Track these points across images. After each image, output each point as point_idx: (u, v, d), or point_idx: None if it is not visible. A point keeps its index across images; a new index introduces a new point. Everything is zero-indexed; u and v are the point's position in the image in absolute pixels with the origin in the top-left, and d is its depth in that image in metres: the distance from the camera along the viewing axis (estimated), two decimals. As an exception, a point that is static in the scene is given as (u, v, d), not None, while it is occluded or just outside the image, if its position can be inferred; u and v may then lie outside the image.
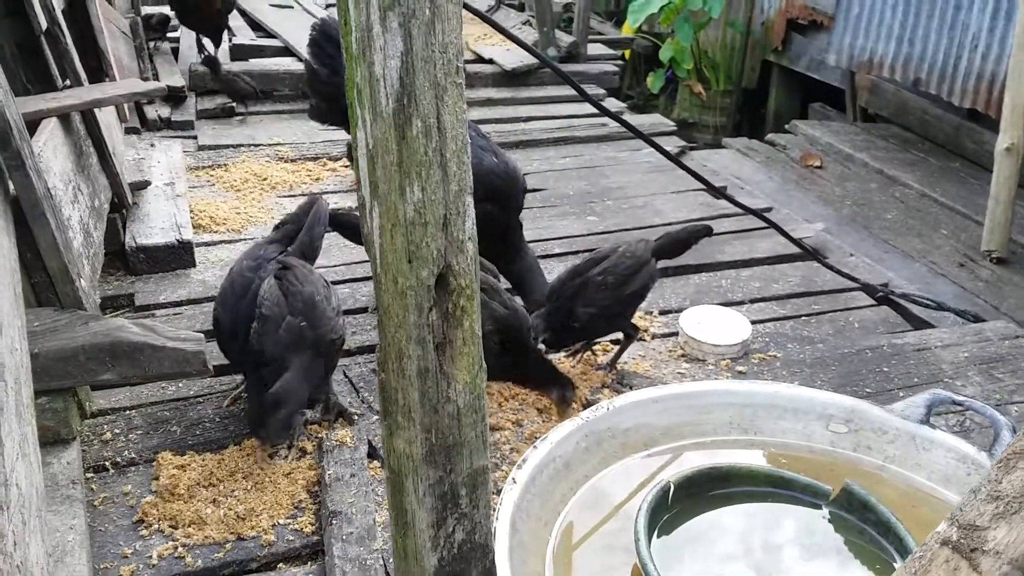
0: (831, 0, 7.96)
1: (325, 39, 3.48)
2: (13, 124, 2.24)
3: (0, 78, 2.22)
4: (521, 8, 7.43)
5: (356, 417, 2.90)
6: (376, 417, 2.90)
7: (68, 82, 3.35)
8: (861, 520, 2.28)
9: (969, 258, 5.36)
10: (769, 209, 4.70)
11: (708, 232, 3.15)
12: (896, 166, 6.77)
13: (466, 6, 3.31)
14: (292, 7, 7.61)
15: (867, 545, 2.26)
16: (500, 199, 3.34)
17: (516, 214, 3.41)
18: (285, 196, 4.58)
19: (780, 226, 3.87)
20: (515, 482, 2.21)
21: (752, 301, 3.72)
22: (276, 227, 3.12)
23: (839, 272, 3.79)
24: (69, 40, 3.36)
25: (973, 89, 6.52)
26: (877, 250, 4.95)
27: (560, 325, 2.91)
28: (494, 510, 1.95)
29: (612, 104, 6.23)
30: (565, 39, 6.52)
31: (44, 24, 3.26)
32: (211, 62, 5.49)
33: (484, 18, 3.21)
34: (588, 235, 4.23)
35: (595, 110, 5.90)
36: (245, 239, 4.13)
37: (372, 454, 2.75)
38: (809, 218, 5.11)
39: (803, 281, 3.89)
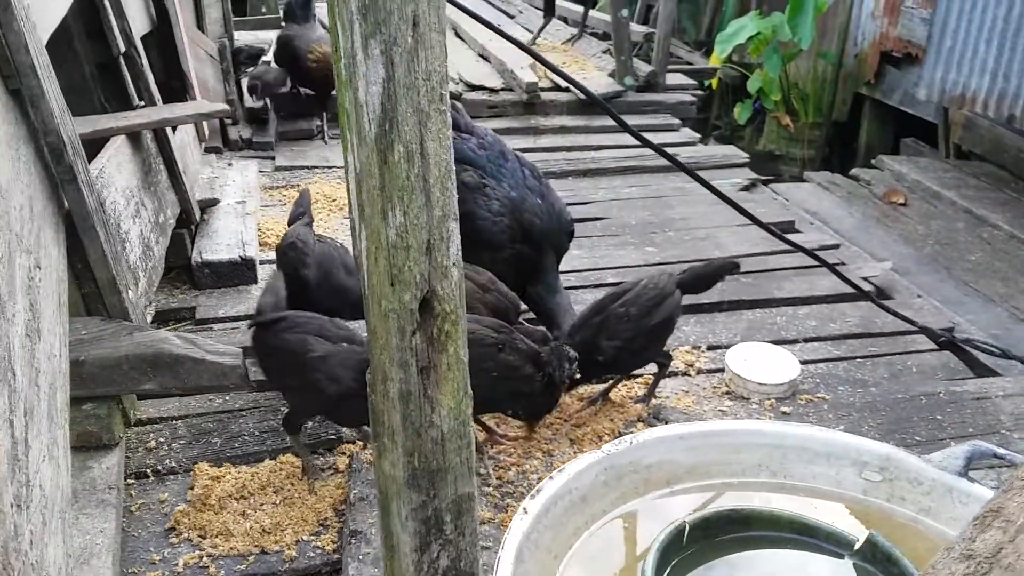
0: (925, 33, 7.75)
1: None
2: (67, 141, 2.36)
3: (59, 99, 2.34)
4: (604, 37, 7.44)
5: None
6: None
7: (143, 102, 3.51)
8: (884, 573, 2.18)
9: (1051, 302, 5.11)
10: (836, 246, 4.57)
11: (734, 268, 3.08)
12: (986, 205, 6.51)
13: (524, 48, 3.34)
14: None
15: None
16: (537, 240, 3.35)
17: (555, 255, 3.42)
18: (347, 217, 4.66)
19: (837, 267, 3.76)
20: (526, 512, 2.19)
21: (806, 340, 3.62)
22: (291, 221, 3.23)
23: (895, 314, 3.65)
24: (145, 62, 3.52)
25: (1073, 128, 6.24)
26: (957, 292, 4.75)
27: (586, 359, 2.89)
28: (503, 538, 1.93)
29: (687, 135, 6.17)
30: (644, 68, 6.50)
31: (122, 47, 3.42)
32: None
33: (538, 58, 3.23)
34: (644, 265, 4.19)
35: (671, 140, 5.86)
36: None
37: (400, 475, 2.77)
38: (887, 257, 4.95)
39: (862, 322, 3.76)
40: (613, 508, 2.41)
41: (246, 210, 4.32)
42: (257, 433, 2.99)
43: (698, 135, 6.53)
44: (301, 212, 3.21)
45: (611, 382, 3.14)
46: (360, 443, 2.94)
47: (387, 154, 1.38)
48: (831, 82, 9.11)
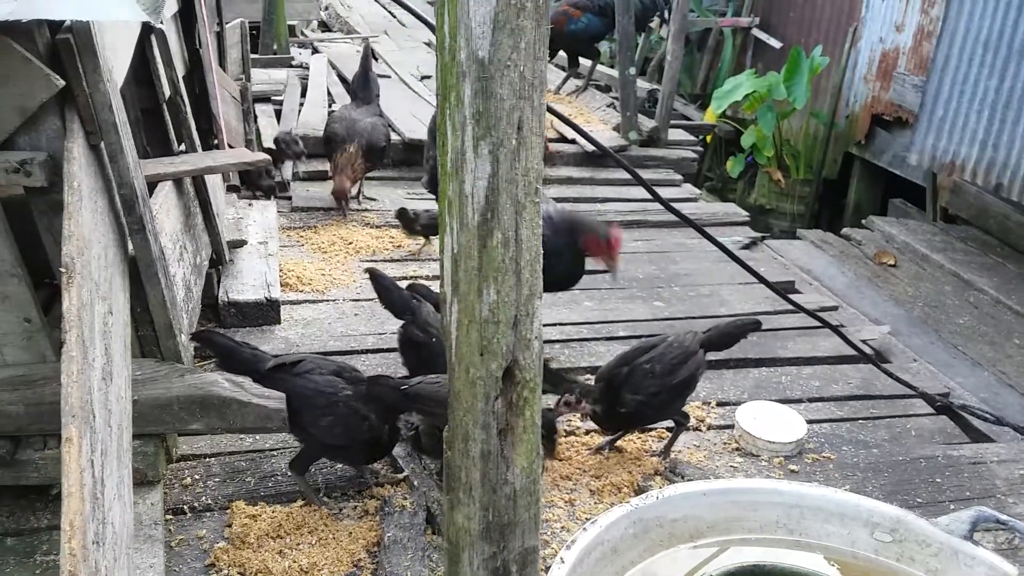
0: (918, 99, 8.04)
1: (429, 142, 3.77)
2: (139, 192, 2.50)
3: (133, 153, 2.48)
4: (607, 89, 7.67)
5: (415, 483, 3.06)
6: (435, 485, 3.04)
7: (184, 147, 3.65)
8: (898, 632, 2.33)
9: (1046, 367, 5.31)
10: (835, 308, 4.76)
11: (757, 326, 3.25)
12: (972, 270, 6.74)
13: (549, 108, 3.51)
14: (390, 77, 7.99)
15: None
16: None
17: None
18: (367, 260, 4.81)
19: (840, 329, 3.94)
20: (563, 562, 2.33)
21: (810, 400, 3.79)
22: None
23: (897, 379, 3.84)
24: (188, 109, 3.67)
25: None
26: (945, 355, 4.95)
27: (607, 410, 3.04)
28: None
29: (688, 191, 6.37)
30: (647, 123, 6.72)
31: (168, 93, 3.57)
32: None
33: (560, 116, 3.40)
34: (653, 320, 4.36)
35: (672, 195, 6.06)
36: (328, 300, 4.36)
37: (429, 520, 2.90)
38: (879, 317, 5.14)
39: (863, 384, 3.94)
40: (641, 560, 2.56)
41: (268, 251, 4.45)
42: (289, 474, 3.10)
43: (699, 191, 6.74)
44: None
45: (621, 432, 3.29)
46: (390, 486, 3.06)
47: (487, 239, 1.54)
48: (822, 141, 9.40)
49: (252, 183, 5.24)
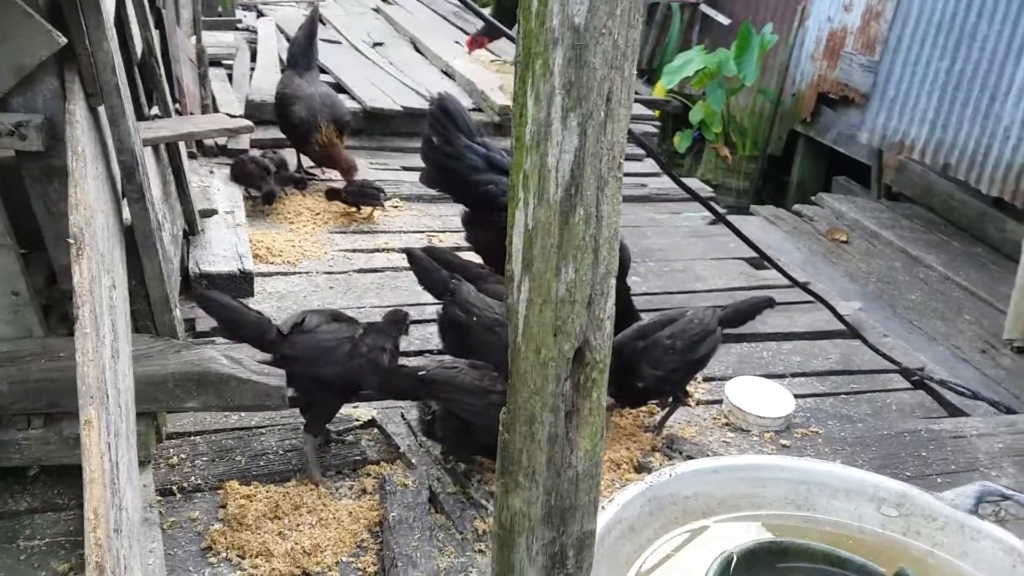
0: (864, 78, 8.18)
1: (443, 114, 3.59)
2: (138, 158, 2.36)
3: (131, 114, 2.34)
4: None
5: (412, 461, 3.00)
6: (432, 463, 2.98)
7: (157, 111, 3.47)
8: (914, 605, 2.37)
9: (991, 345, 5.48)
10: (807, 284, 4.82)
11: (771, 304, 3.27)
12: (920, 247, 6.91)
13: None
14: (340, 43, 7.78)
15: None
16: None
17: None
18: (337, 232, 4.69)
19: (828, 302, 4.00)
20: (588, 541, 2.31)
21: (793, 375, 3.83)
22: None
23: (882, 355, 3.91)
24: (162, 71, 3.49)
25: (1002, 179, 6.69)
26: (902, 330, 5.06)
27: (624, 383, 3.01)
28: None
29: (652, 165, 6.37)
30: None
31: (140, 53, 3.39)
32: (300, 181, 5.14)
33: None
34: (633, 295, 4.34)
35: (636, 169, 6.05)
36: (300, 272, 4.23)
37: (432, 500, 2.83)
38: (839, 293, 5.24)
39: (842, 359, 4.00)
40: (657, 537, 2.55)
41: (236, 221, 4.30)
42: (281, 452, 3.01)
43: (659, 167, 6.74)
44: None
45: (666, 412, 3.27)
46: (386, 463, 2.99)
47: (569, 216, 1.48)
48: (768, 118, 9.51)
49: (249, 183, 4.73)
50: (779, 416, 3.37)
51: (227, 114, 4.75)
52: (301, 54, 5.18)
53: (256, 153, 4.72)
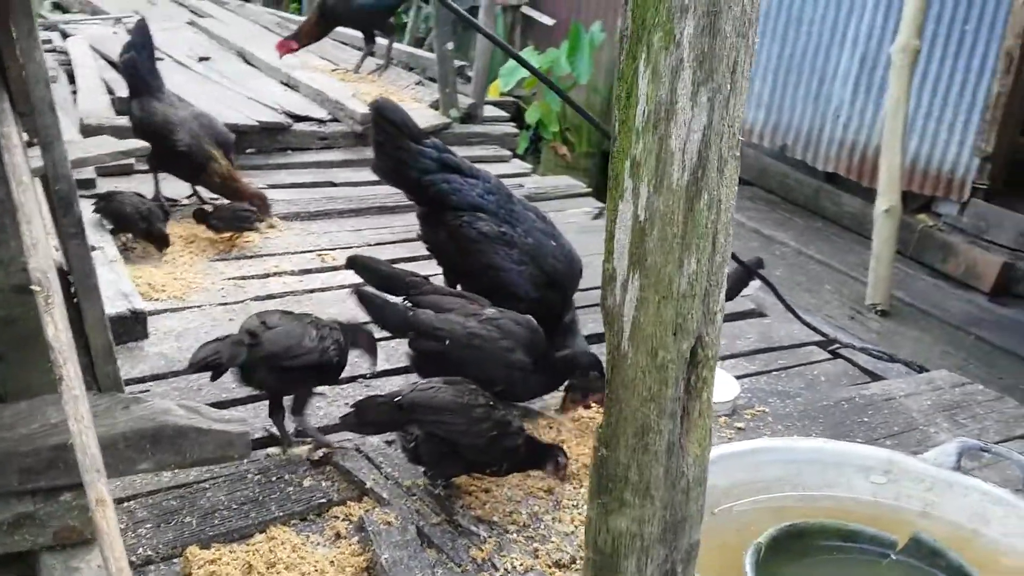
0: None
1: (386, 122, 3.46)
2: (73, 187, 2.02)
3: (61, 142, 2.00)
4: (409, 69, 7.43)
5: (383, 496, 2.76)
6: (411, 496, 2.77)
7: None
8: (931, 566, 2.41)
9: (857, 311, 5.82)
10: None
11: (760, 265, 3.30)
12: (770, 226, 7.25)
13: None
14: (162, 59, 7.23)
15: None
16: (560, 285, 3.35)
17: (571, 298, 3.46)
18: (218, 260, 4.31)
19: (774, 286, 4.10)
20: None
21: (723, 357, 3.86)
22: None
23: (812, 328, 4.04)
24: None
25: (835, 156, 7.13)
26: (779, 306, 5.26)
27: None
28: None
29: (519, 166, 6.32)
30: (464, 100, 6.57)
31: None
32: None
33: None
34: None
35: (507, 170, 5.96)
36: (191, 307, 3.85)
37: (418, 534, 2.62)
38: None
39: (761, 337, 4.08)
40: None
41: (108, 257, 3.86)
42: (234, 506, 2.69)
43: (530, 166, 6.70)
44: None
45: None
46: (353, 503, 2.74)
47: (694, 202, 1.36)
48: (601, 114, 9.69)
49: (126, 227, 4.18)
50: (727, 400, 3.38)
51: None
52: (149, 76, 4.65)
53: (129, 193, 4.20)
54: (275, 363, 2.74)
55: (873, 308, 5.76)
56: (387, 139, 3.46)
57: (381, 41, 7.18)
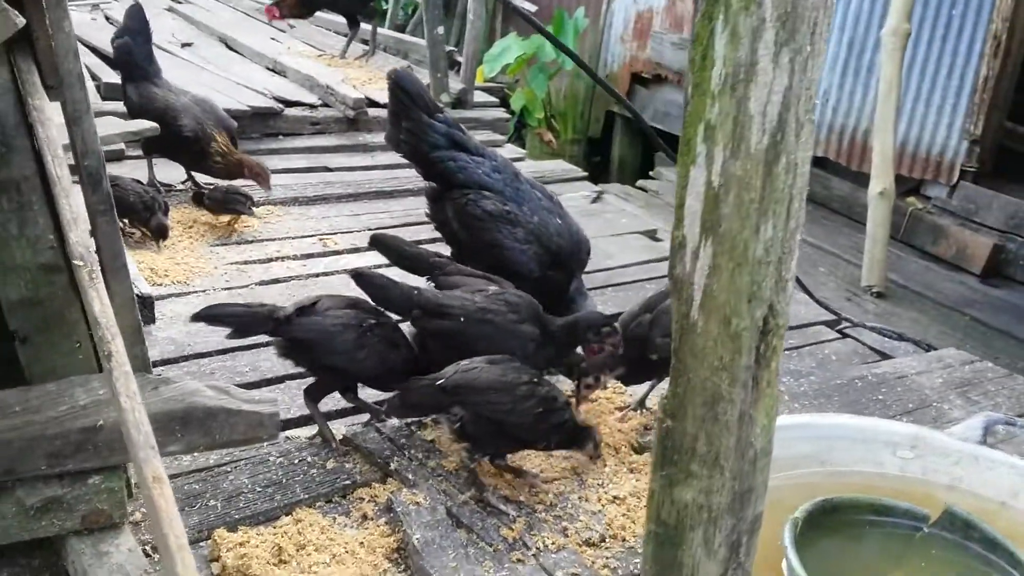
0: (676, 56, 8.49)
1: (402, 92, 3.47)
2: (103, 163, 1.97)
3: (91, 115, 1.94)
4: (397, 54, 7.37)
5: (409, 476, 2.73)
6: (436, 477, 2.74)
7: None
8: (965, 538, 2.42)
9: (853, 293, 5.84)
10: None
11: None
12: (761, 210, 7.24)
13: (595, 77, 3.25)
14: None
15: (971, 560, 2.39)
16: (565, 263, 3.32)
17: (580, 276, 3.43)
18: (219, 245, 4.25)
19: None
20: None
21: (732, 338, 3.86)
22: None
23: (825, 307, 4.06)
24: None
25: (825, 139, 7.15)
26: (777, 288, 5.28)
27: (637, 358, 2.90)
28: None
29: (513, 150, 6.28)
30: (454, 86, 6.53)
31: None
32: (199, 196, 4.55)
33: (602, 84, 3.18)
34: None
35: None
36: (196, 291, 3.80)
37: (447, 514, 2.59)
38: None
39: (768, 318, 4.08)
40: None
41: (109, 242, 3.78)
42: (258, 488, 2.65)
43: (524, 151, 6.67)
44: None
45: (649, 387, 3.15)
46: (378, 484, 2.71)
47: (773, 166, 1.34)
48: (585, 101, 9.70)
49: (131, 215, 4.07)
50: (742, 379, 3.38)
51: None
52: (146, 61, 4.57)
53: (129, 179, 4.10)
54: (302, 352, 2.81)
55: (869, 290, 5.78)
56: (401, 109, 3.43)
57: (365, 26, 7.11)
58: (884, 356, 3.87)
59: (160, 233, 4.04)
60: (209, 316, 2.74)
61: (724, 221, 1.38)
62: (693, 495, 1.54)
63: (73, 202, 1.65)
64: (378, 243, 3.16)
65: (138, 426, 1.52)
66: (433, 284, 3.03)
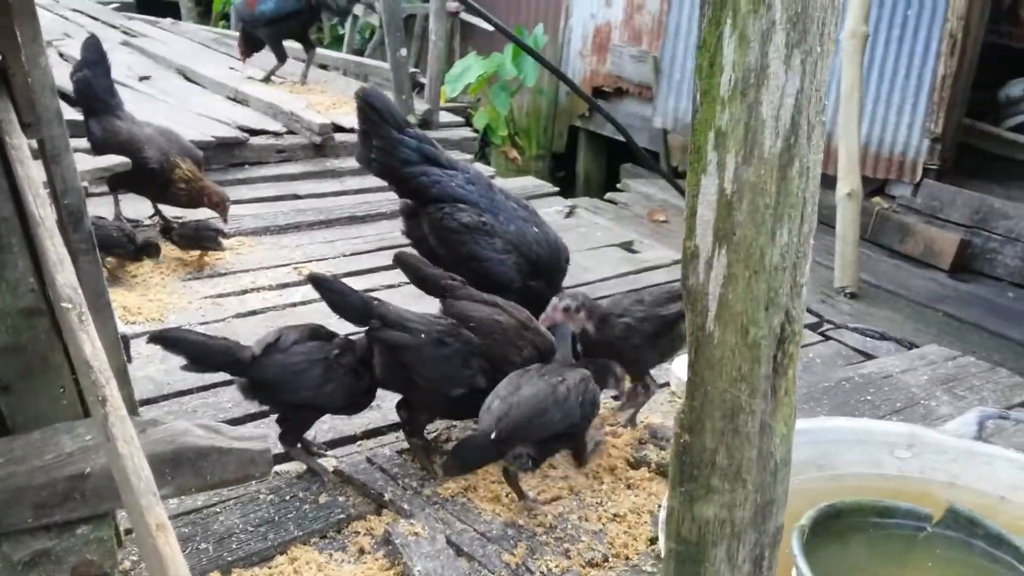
0: (636, 69, 8.53)
1: (370, 108, 3.38)
2: (83, 200, 1.90)
3: (70, 152, 1.88)
4: (356, 78, 7.32)
5: (403, 506, 2.67)
6: (433, 505, 2.68)
7: None
8: (969, 536, 2.41)
9: (827, 295, 5.87)
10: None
11: None
12: (730, 217, 7.27)
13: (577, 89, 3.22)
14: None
15: (976, 558, 2.38)
16: (545, 272, 3.29)
17: (560, 284, 3.39)
18: (191, 279, 4.16)
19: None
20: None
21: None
22: None
23: (810, 311, 4.05)
24: None
25: (789, 145, 7.19)
26: (753, 294, 5.29)
27: (598, 332, 2.98)
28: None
29: (482, 168, 6.25)
30: (419, 107, 6.49)
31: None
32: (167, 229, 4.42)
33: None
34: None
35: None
36: (172, 327, 3.70)
37: (448, 543, 2.54)
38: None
39: (751, 324, 4.08)
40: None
41: (78, 282, 3.68)
42: (250, 528, 2.58)
43: (494, 168, 6.65)
44: None
45: (630, 407, 3.14)
46: (373, 517, 2.64)
47: (787, 170, 1.32)
48: (547, 117, 9.71)
49: (115, 250, 4.00)
50: (731, 387, 3.36)
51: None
52: (107, 94, 4.47)
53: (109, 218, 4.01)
54: (267, 392, 2.77)
55: (842, 291, 5.82)
56: (371, 127, 3.39)
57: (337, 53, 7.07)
58: (867, 356, 3.88)
59: (154, 250, 4.06)
60: (164, 339, 2.68)
61: (739, 228, 1.35)
62: (715, 510, 1.51)
63: (58, 243, 1.59)
64: (400, 262, 3.11)
65: (138, 472, 1.45)
66: (441, 307, 2.97)
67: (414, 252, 3.31)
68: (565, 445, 2.74)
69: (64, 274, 1.56)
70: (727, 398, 1.44)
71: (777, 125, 1.29)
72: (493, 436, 2.52)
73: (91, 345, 1.52)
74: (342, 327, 2.97)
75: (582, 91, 3.29)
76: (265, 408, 3.14)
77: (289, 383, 2.70)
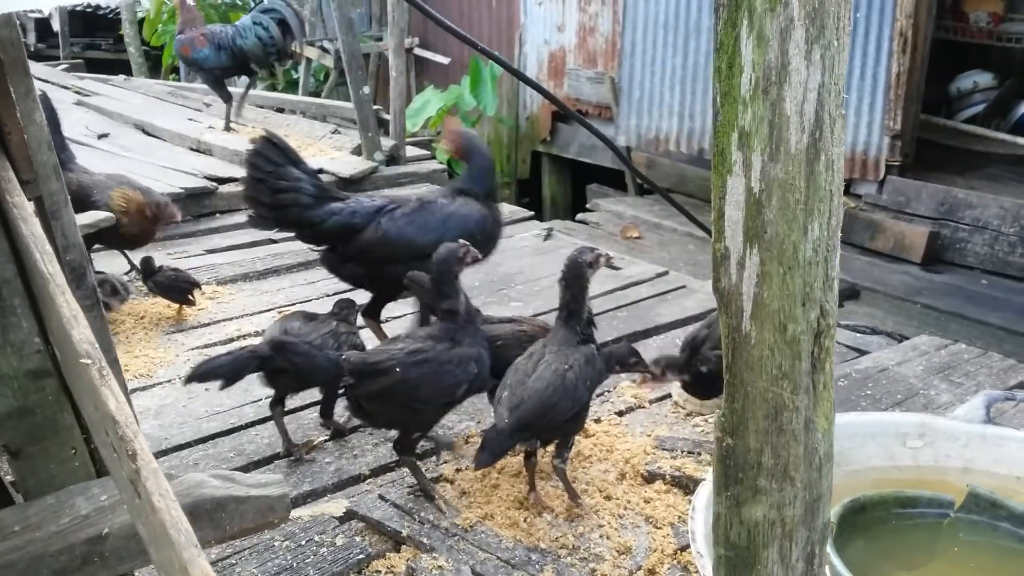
0: (594, 90, 8.61)
1: (272, 148, 3.31)
2: (85, 256, 1.86)
3: (69, 207, 1.84)
4: (322, 119, 7.31)
5: (424, 541, 2.63)
6: (453, 537, 2.64)
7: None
8: (993, 518, 2.42)
9: (806, 297, 5.89)
10: (666, 273, 4.92)
11: (854, 294, 3.49)
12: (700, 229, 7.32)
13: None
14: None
15: (1002, 539, 2.40)
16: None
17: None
18: (174, 332, 4.10)
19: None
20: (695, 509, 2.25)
21: (711, 350, 3.86)
22: None
23: None
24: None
25: (752, 152, 7.29)
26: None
27: (696, 373, 3.09)
28: None
29: (454, 200, 6.24)
30: (386, 143, 6.49)
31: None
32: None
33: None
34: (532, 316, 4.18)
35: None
36: (161, 382, 3.64)
37: (474, 573, 2.50)
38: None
39: (742, 330, 4.09)
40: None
41: (61, 344, 3.61)
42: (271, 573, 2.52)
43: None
44: None
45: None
46: (392, 555, 2.60)
47: (814, 164, 1.32)
48: (510, 144, 9.75)
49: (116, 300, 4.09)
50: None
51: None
52: (58, 149, 4.41)
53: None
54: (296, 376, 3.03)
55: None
56: (269, 169, 3.31)
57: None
58: (861, 352, 3.91)
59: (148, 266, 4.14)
60: (202, 374, 2.91)
61: (769, 226, 1.35)
62: (764, 511, 1.50)
63: (70, 299, 1.55)
64: (414, 283, 3.12)
65: (177, 526, 1.41)
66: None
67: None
68: (578, 425, 2.82)
69: (79, 329, 1.52)
70: (769, 397, 1.44)
71: (802, 120, 1.30)
72: (504, 428, 2.58)
73: (115, 400, 1.48)
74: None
75: (556, 98, 3.32)
76: (268, 454, 3.11)
77: (314, 364, 2.96)
